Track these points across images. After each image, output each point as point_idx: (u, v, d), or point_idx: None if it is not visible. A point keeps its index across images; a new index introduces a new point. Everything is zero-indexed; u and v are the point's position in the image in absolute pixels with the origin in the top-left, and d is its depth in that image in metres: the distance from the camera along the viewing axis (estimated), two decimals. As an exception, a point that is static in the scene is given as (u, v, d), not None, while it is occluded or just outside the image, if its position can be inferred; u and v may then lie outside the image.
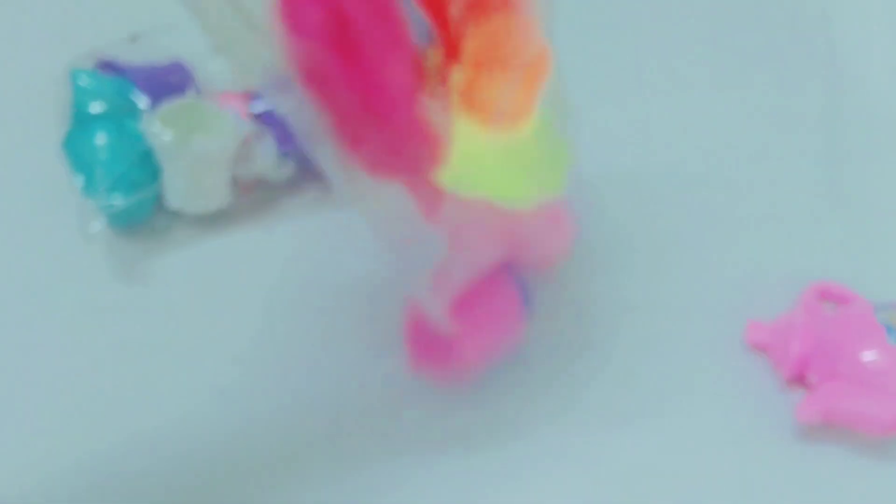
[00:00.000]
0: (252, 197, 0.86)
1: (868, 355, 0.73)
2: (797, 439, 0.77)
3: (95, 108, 0.80)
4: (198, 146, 0.78)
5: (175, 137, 0.77)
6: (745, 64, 1.07)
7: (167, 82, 0.83)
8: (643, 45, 1.08)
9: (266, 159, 0.82)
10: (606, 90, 1.01)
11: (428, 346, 0.68)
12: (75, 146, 0.79)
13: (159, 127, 0.77)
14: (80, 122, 0.80)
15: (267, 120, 0.84)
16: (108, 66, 0.83)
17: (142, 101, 0.81)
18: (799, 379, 0.78)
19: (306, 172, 0.87)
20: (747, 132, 1.00)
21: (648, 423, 0.77)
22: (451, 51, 0.57)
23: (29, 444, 0.73)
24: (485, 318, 0.66)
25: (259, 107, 0.84)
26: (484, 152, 0.58)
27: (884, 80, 1.06)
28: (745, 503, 0.73)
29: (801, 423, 0.74)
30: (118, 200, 0.77)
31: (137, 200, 0.79)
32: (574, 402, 0.77)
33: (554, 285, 0.83)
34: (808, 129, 1.01)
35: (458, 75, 0.59)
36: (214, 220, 0.83)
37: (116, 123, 0.79)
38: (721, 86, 1.05)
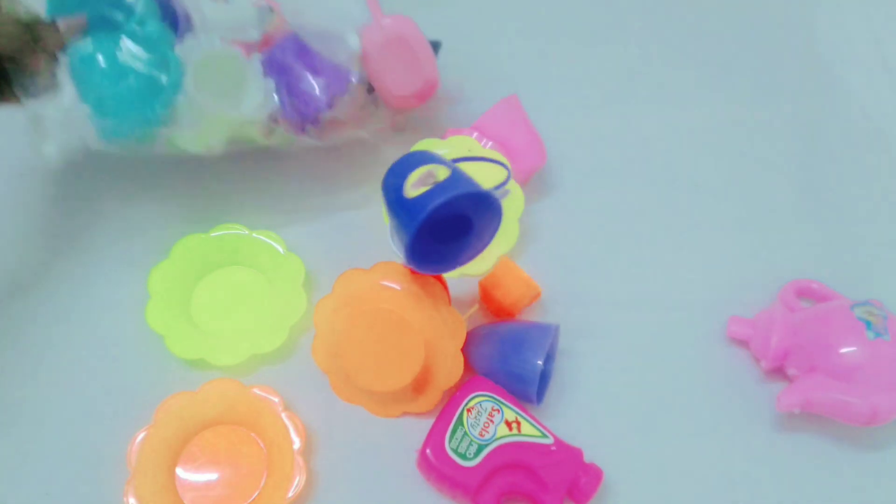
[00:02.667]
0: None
1: (847, 350, 0.75)
2: (777, 429, 0.79)
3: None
4: (234, 115, 0.79)
5: (214, 102, 0.78)
6: (728, 74, 1.09)
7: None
8: (629, 56, 1.10)
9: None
10: (594, 97, 1.05)
11: None
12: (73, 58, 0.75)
13: (196, 84, 0.77)
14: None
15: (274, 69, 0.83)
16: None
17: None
18: (778, 371, 0.81)
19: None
20: (729, 138, 1.03)
21: (633, 413, 0.80)
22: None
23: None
24: None
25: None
26: None
27: (861, 88, 1.08)
28: (726, 488, 0.76)
29: (781, 413, 0.77)
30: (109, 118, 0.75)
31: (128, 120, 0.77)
32: (561, 393, 0.80)
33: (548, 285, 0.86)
34: (788, 135, 1.03)
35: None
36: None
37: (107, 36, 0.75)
38: (705, 94, 1.07)
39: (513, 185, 0.89)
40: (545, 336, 0.77)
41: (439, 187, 0.67)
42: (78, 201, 0.90)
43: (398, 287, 0.76)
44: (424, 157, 0.72)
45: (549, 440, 0.72)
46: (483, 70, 1.00)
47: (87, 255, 0.86)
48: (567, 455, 0.72)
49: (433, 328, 0.75)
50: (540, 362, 0.75)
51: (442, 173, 0.68)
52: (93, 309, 0.83)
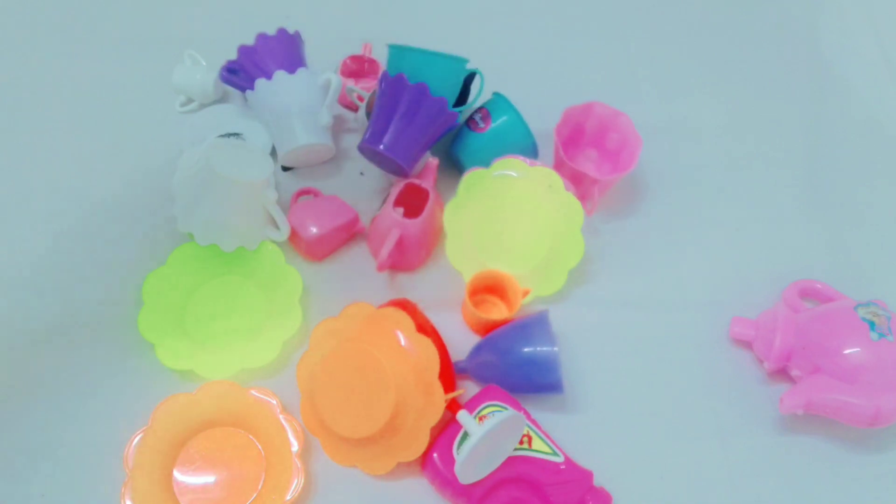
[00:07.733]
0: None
1: (850, 351, 0.75)
2: (780, 430, 0.79)
3: None
4: None
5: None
6: (731, 73, 1.09)
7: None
8: (631, 54, 1.10)
9: None
10: (595, 96, 1.02)
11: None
12: None
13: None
14: None
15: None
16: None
17: None
18: (782, 372, 0.80)
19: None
20: (732, 137, 1.02)
21: (636, 414, 0.79)
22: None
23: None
24: None
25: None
26: None
27: (865, 89, 1.07)
28: (730, 490, 0.75)
29: (784, 415, 0.76)
30: None
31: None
32: (563, 394, 0.78)
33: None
34: (791, 135, 1.03)
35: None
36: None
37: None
38: (707, 93, 1.06)
39: (571, 198, 0.86)
40: (544, 324, 0.76)
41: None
42: (77, 205, 0.90)
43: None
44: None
45: (560, 458, 0.71)
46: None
47: (86, 258, 0.86)
48: (576, 476, 0.71)
49: (404, 387, 0.70)
50: (556, 348, 0.74)
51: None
52: (91, 309, 0.83)
